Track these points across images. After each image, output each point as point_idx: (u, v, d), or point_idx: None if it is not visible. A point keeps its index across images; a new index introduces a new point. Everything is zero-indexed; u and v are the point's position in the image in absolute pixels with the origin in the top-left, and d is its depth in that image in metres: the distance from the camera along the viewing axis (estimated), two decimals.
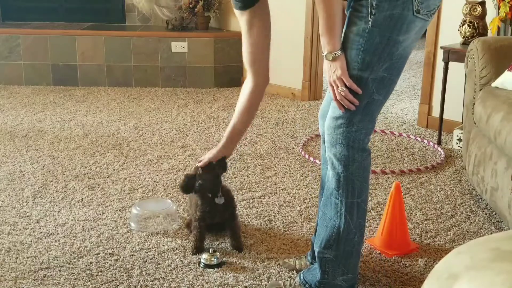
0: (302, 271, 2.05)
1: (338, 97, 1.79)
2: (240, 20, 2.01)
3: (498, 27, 3.35)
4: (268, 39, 2.06)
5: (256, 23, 1.99)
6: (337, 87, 1.78)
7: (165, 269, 2.20)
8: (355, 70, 1.77)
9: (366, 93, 1.79)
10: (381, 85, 1.83)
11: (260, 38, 2.04)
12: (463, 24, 3.43)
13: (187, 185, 2.28)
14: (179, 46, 4.91)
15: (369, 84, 1.79)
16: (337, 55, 1.77)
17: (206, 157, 2.27)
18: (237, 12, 2.00)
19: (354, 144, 1.87)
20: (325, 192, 1.93)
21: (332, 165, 1.88)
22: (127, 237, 2.43)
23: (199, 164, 2.26)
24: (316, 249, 1.93)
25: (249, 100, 2.21)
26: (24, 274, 2.15)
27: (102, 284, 2.09)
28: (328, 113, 1.92)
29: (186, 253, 2.31)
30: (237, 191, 2.87)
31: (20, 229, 2.49)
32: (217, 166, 2.28)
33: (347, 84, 1.76)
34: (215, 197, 2.29)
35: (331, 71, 1.78)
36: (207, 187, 2.28)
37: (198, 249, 2.30)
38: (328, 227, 1.88)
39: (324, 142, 1.98)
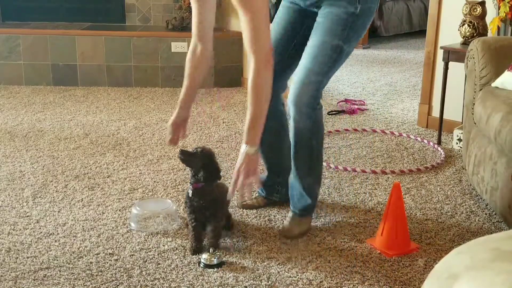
0: (291, 206, 2.50)
1: (242, 185, 2.12)
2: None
3: (498, 27, 3.35)
4: (214, 12, 2.54)
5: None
6: (247, 177, 2.13)
7: (165, 269, 2.20)
8: (340, 41, 2.30)
9: (339, 61, 2.35)
10: (346, 57, 2.39)
11: (211, 11, 2.53)
12: (463, 24, 3.43)
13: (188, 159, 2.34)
14: (179, 46, 4.90)
15: (343, 54, 2.34)
16: (258, 151, 2.20)
17: (169, 124, 2.48)
18: None
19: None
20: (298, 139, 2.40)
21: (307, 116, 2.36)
22: (127, 237, 2.43)
23: (167, 143, 2.49)
24: (299, 180, 2.43)
25: (199, 63, 2.45)
26: (24, 274, 2.15)
27: (102, 284, 2.09)
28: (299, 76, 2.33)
29: (186, 253, 2.31)
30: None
31: (20, 229, 2.49)
32: (198, 155, 2.32)
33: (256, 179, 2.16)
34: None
35: (250, 165, 2.14)
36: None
37: (196, 249, 2.30)
38: (307, 161, 2.43)
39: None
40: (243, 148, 2.18)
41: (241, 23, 2.12)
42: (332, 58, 2.32)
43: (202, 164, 2.33)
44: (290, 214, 2.52)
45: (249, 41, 2.10)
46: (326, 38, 2.31)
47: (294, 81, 2.36)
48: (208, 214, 2.33)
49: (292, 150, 2.44)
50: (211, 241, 2.32)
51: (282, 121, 2.58)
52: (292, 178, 2.48)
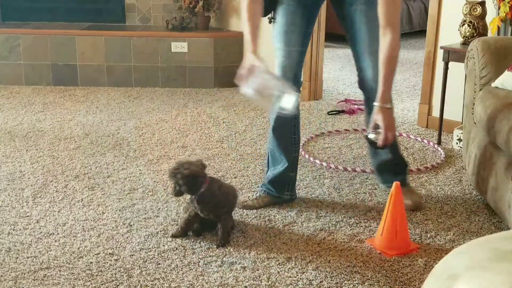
0: (391, 181, 2.46)
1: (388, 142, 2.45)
2: None
3: (498, 27, 3.35)
4: None
5: None
6: (389, 130, 2.42)
7: (165, 269, 2.20)
8: None
9: None
10: None
11: None
12: (463, 24, 3.43)
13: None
14: (179, 46, 4.90)
15: None
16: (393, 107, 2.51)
17: (245, 66, 2.41)
18: None
19: None
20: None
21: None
22: (127, 237, 2.43)
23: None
24: (393, 153, 2.77)
25: (257, 7, 2.49)
26: (24, 274, 2.15)
27: (102, 284, 2.10)
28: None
29: (186, 253, 2.31)
30: (237, 191, 2.87)
31: (20, 229, 2.49)
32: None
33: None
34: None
35: (389, 120, 2.44)
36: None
37: (175, 234, 2.40)
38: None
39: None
40: (377, 105, 2.43)
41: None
42: None
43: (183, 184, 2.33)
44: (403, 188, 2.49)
45: (387, 14, 2.33)
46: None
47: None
48: (213, 217, 2.36)
49: None
50: (217, 244, 2.36)
51: (298, 112, 2.69)
52: (382, 156, 2.75)
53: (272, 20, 2.65)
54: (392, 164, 2.79)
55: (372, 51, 2.51)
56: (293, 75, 2.59)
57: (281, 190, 2.73)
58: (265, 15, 2.59)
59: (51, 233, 2.46)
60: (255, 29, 2.47)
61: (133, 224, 2.55)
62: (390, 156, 2.76)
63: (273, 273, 2.18)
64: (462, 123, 3.43)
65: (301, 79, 2.70)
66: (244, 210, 2.67)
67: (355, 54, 2.66)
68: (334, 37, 7.28)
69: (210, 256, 2.29)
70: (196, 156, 3.34)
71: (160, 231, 2.48)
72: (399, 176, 2.68)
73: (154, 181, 3.01)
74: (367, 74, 2.60)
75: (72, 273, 2.16)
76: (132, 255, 2.30)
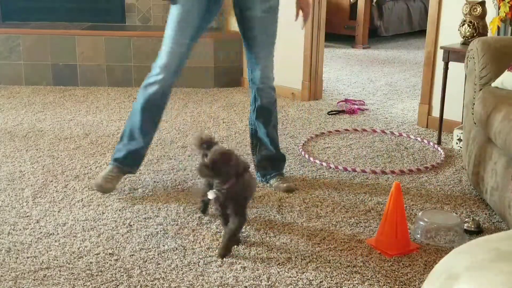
0: (274, 171, 2.94)
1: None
2: None
3: (498, 27, 3.35)
4: None
5: None
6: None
7: (165, 269, 2.20)
8: None
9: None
10: None
11: None
12: (463, 24, 3.43)
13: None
14: None
15: None
16: None
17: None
18: None
19: None
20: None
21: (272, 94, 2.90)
22: (127, 237, 2.43)
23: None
24: (276, 148, 2.96)
25: None
26: (24, 274, 2.15)
27: (102, 284, 2.10)
28: (265, 64, 2.82)
29: (186, 253, 2.31)
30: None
31: (20, 229, 2.49)
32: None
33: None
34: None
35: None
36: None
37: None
38: (277, 129, 3.00)
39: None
40: None
41: None
42: None
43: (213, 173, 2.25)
44: (278, 178, 2.92)
45: None
46: None
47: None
48: (229, 212, 2.32)
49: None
50: (218, 253, 2.29)
51: (169, 93, 2.89)
52: (273, 149, 2.95)
53: (172, 1, 2.71)
54: (274, 160, 2.97)
55: (264, 56, 2.80)
56: (176, 65, 2.74)
57: (133, 165, 2.86)
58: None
59: (51, 233, 2.46)
60: None
61: (133, 224, 2.55)
62: (273, 152, 2.96)
63: (273, 273, 2.18)
64: (462, 123, 3.43)
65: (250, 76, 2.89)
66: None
67: (248, 56, 2.85)
68: (334, 37, 7.29)
69: (210, 256, 2.29)
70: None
71: (160, 231, 2.48)
72: (279, 170, 2.98)
73: (154, 181, 3.01)
74: (259, 75, 2.82)
75: (72, 273, 2.16)
76: (132, 255, 2.30)
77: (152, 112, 2.82)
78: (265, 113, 2.91)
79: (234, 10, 2.81)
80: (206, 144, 2.35)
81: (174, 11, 2.71)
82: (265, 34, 2.77)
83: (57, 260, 2.25)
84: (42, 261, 2.24)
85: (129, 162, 2.84)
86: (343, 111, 4.31)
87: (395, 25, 7.76)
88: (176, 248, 2.35)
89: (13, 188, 2.91)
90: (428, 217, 2.47)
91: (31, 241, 2.39)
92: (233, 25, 5.04)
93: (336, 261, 2.27)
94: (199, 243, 2.39)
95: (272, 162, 2.97)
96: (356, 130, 3.88)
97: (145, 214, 2.64)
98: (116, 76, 4.97)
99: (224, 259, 2.26)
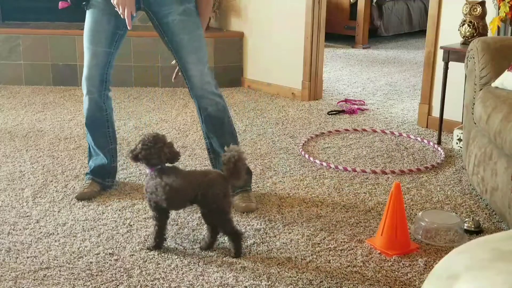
0: (236, 192, 2.67)
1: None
2: None
3: (498, 27, 3.35)
4: None
5: None
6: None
7: (165, 269, 2.20)
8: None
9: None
10: None
11: None
12: (463, 24, 3.44)
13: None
14: None
15: None
16: None
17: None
18: None
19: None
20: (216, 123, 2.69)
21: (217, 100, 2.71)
22: (127, 237, 2.43)
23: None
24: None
25: None
26: (24, 274, 2.15)
27: (102, 284, 2.10)
28: (198, 69, 2.62)
29: (186, 253, 2.31)
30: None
31: (20, 229, 2.49)
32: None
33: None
34: None
35: None
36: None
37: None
38: (236, 138, 2.76)
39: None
40: None
41: None
42: None
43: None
44: (241, 196, 2.69)
45: None
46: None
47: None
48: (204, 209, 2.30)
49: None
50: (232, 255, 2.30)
51: (110, 107, 2.95)
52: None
53: (85, 6, 2.68)
54: None
55: (193, 61, 2.61)
56: (99, 75, 2.71)
57: (103, 178, 2.85)
58: (77, 4, 2.69)
59: (51, 233, 2.46)
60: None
61: (133, 224, 2.55)
62: None
63: (273, 273, 2.18)
64: (462, 123, 3.43)
65: (111, 79, 2.85)
66: (244, 213, 2.67)
67: (180, 64, 2.66)
68: (334, 37, 7.29)
69: (210, 256, 2.29)
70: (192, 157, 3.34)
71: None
72: (243, 186, 2.69)
73: None
74: (195, 82, 2.64)
75: (72, 273, 2.16)
76: (132, 255, 2.30)
77: (96, 126, 2.80)
78: (215, 122, 2.68)
79: (149, 18, 2.72)
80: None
81: (86, 21, 2.68)
82: (189, 37, 2.59)
83: (57, 260, 2.25)
84: (42, 261, 2.24)
85: (99, 176, 2.85)
86: (343, 111, 4.31)
87: (395, 25, 7.77)
88: (176, 248, 2.35)
89: (13, 188, 2.91)
90: (428, 217, 2.47)
91: (31, 241, 2.39)
92: (233, 25, 5.04)
93: (336, 261, 2.27)
94: (199, 243, 2.38)
95: None
96: (356, 130, 3.88)
97: (145, 214, 2.64)
98: (116, 76, 4.95)
99: (224, 259, 2.26)
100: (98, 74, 2.71)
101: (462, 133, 3.22)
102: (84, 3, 2.63)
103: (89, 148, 2.88)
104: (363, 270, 2.21)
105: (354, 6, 7.31)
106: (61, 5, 2.67)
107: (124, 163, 3.25)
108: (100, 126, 2.82)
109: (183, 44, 2.60)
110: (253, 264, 2.23)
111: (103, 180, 2.86)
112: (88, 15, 2.67)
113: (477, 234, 2.48)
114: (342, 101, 4.59)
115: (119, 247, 2.35)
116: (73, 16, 5.37)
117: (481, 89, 2.77)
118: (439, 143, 3.61)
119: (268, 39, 4.80)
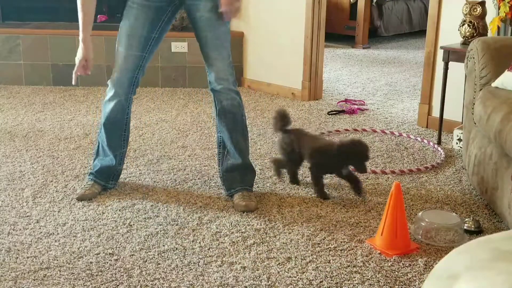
0: (239, 185, 2.74)
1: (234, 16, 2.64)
2: None
3: (498, 27, 3.35)
4: None
5: None
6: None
7: (165, 269, 2.20)
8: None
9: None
10: None
11: None
12: (463, 24, 3.44)
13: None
14: (179, 46, 4.90)
15: None
16: None
17: (80, 64, 2.71)
18: None
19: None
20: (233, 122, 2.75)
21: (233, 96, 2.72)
22: (127, 237, 2.43)
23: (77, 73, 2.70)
24: (243, 158, 2.77)
25: (89, 11, 2.74)
26: (24, 274, 2.15)
27: (102, 284, 2.10)
28: (219, 66, 2.69)
29: (186, 253, 2.31)
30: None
31: (20, 229, 2.49)
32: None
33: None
34: None
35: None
36: None
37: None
38: (246, 138, 2.80)
39: None
40: None
41: None
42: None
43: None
44: (241, 194, 2.72)
45: None
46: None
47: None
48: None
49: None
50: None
51: (129, 110, 2.87)
52: (239, 158, 2.76)
53: (120, 17, 2.73)
54: (240, 171, 2.79)
55: (215, 57, 2.68)
56: (127, 79, 2.73)
57: (107, 179, 2.85)
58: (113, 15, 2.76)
59: (51, 233, 2.46)
60: (86, 17, 2.70)
61: (133, 224, 2.55)
62: (239, 162, 2.77)
63: (273, 273, 2.18)
64: (462, 123, 3.43)
65: (139, 83, 2.85)
66: (244, 212, 2.67)
67: (204, 57, 2.74)
68: (334, 37, 7.29)
69: (210, 256, 2.29)
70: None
71: (160, 231, 2.48)
72: (245, 184, 2.76)
73: (154, 181, 3.01)
74: (214, 77, 2.69)
75: (72, 273, 2.16)
76: (132, 255, 2.30)
77: (115, 128, 2.80)
78: (229, 116, 2.71)
79: (186, 13, 2.78)
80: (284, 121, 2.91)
81: (121, 26, 2.72)
82: (212, 34, 2.67)
83: (57, 260, 2.25)
84: (42, 261, 2.24)
85: (103, 177, 2.84)
86: (343, 111, 4.31)
87: (395, 25, 7.76)
88: (176, 248, 2.35)
89: (13, 188, 2.91)
90: (428, 217, 2.47)
91: (31, 241, 2.39)
92: (233, 25, 5.04)
93: (336, 261, 2.27)
94: (199, 243, 2.39)
95: (238, 173, 2.77)
96: (356, 130, 3.88)
97: (145, 214, 2.64)
98: None
99: (224, 259, 2.26)
100: (128, 77, 2.73)
101: (462, 133, 3.22)
102: (118, 14, 2.71)
103: (99, 147, 2.86)
104: (363, 270, 2.21)
105: (354, 6, 7.31)
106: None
107: (124, 163, 3.25)
108: (119, 128, 2.81)
109: (207, 41, 2.68)
110: (253, 264, 2.23)
111: (106, 182, 2.85)
112: (122, 23, 2.72)
113: (477, 234, 2.48)
114: (342, 101, 4.59)
115: (119, 247, 2.35)
116: (73, 16, 5.38)
117: (481, 89, 2.77)
118: (439, 143, 3.61)
119: (268, 39, 4.80)
